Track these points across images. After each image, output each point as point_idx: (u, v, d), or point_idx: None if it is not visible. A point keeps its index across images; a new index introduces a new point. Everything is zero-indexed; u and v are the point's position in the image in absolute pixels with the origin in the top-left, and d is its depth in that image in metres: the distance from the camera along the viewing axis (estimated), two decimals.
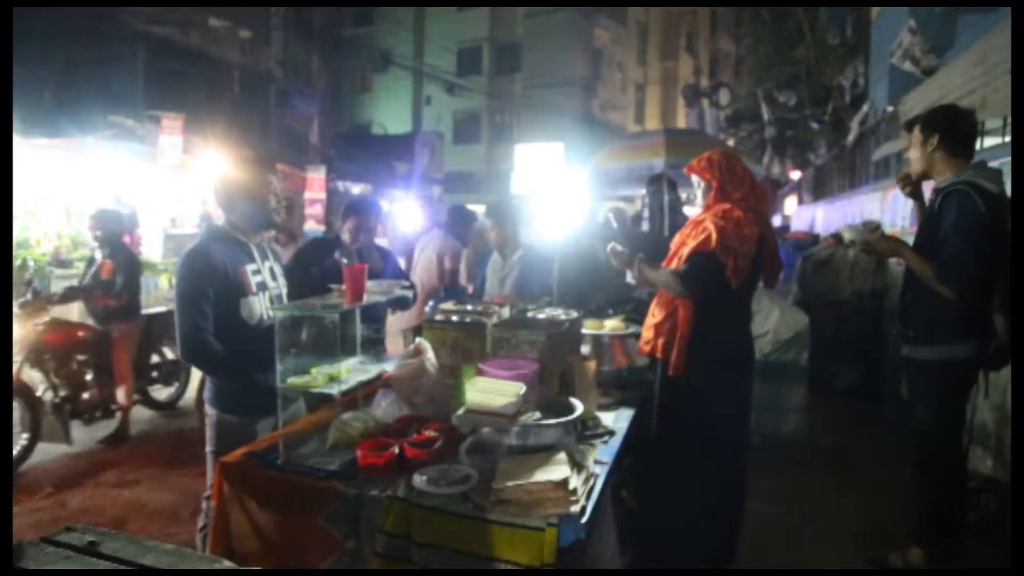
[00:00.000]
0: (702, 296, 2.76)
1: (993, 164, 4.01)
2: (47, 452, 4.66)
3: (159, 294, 8.22)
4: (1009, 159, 3.78)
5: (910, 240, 3.13)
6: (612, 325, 3.18)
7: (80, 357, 4.94)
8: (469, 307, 2.80)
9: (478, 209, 6.15)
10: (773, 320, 4.89)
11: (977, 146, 4.99)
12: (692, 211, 3.67)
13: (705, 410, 2.79)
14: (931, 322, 2.90)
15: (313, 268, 3.48)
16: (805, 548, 3.52)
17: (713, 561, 2.93)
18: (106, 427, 5.13)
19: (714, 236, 2.68)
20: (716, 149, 2.99)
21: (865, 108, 13.57)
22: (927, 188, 3.07)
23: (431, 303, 4.82)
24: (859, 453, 4.80)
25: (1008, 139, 4.38)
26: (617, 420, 2.59)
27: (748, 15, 22.54)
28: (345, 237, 3.74)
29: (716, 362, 2.81)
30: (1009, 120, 4.40)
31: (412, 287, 2.72)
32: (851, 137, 14.64)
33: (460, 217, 5.78)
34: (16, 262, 7.93)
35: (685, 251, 2.82)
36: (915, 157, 2.97)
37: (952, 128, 2.93)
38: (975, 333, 2.86)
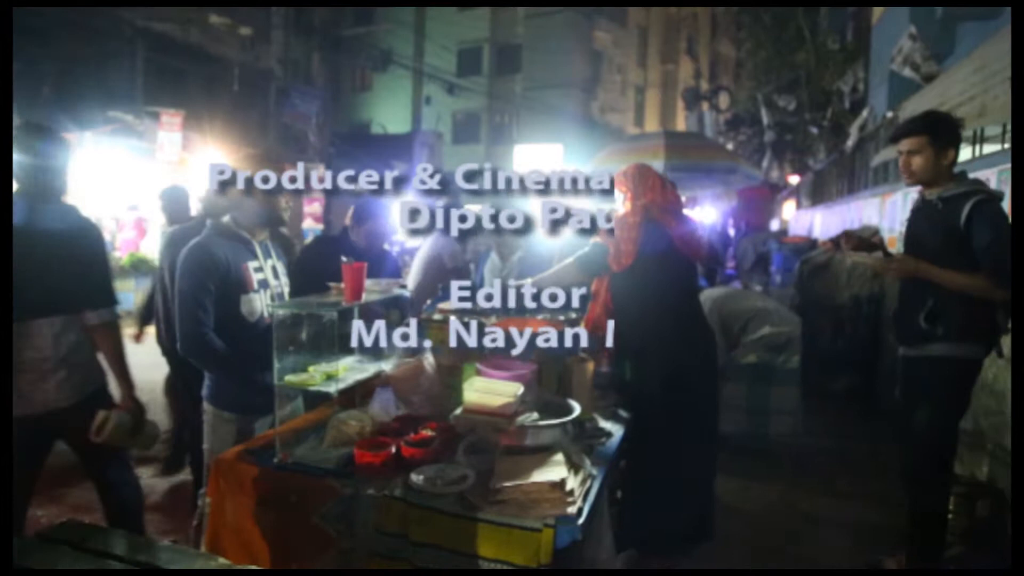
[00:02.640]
0: (611, 282, 3.06)
1: (992, 171, 4.03)
2: None
3: None
4: (1008, 166, 3.79)
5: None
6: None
7: None
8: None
9: (474, 209, 6.09)
10: (766, 324, 4.90)
11: (976, 153, 5.01)
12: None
13: (636, 395, 2.88)
14: (967, 319, 2.87)
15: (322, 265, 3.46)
16: (801, 549, 3.53)
17: (683, 540, 2.98)
18: None
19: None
20: (633, 164, 3.24)
21: (864, 114, 13.60)
22: (911, 194, 3.14)
23: (429, 302, 4.82)
24: (856, 457, 4.81)
25: (1007, 146, 4.39)
26: (615, 421, 2.59)
27: (748, 19, 22.57)
28: (357, 240, 3.70)
29: (631, 354, 2.95)
30: (1008, 127, 4.41)
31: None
32: (850, 142, 14.67)
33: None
34: None
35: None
36: (921, 167, 2.94)
37: (959, 140, 2.96)
38: (992, 331, 2.92)
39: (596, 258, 3.01)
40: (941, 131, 2.92)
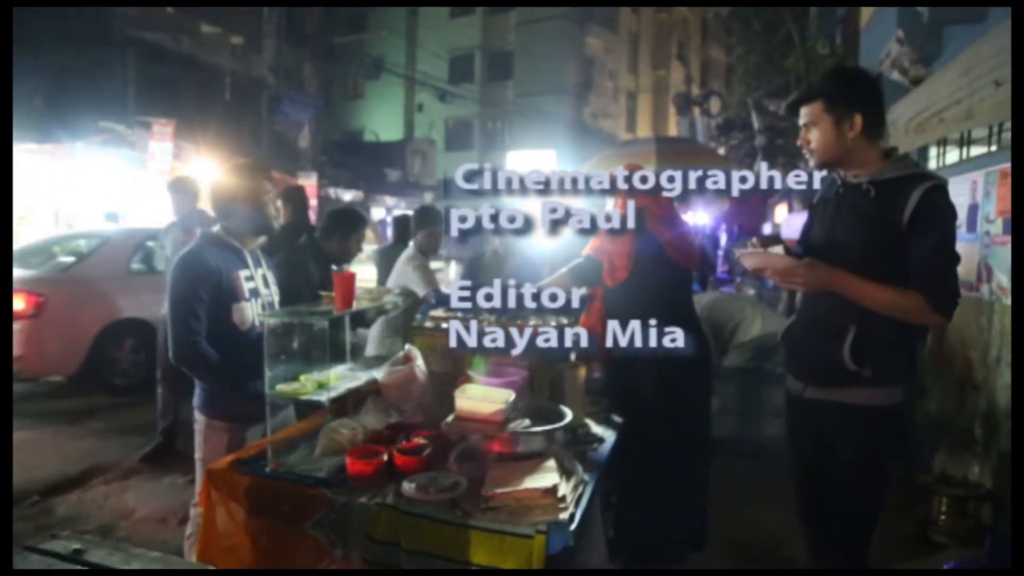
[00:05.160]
0: (604, 295, 3.00)
1: (979, 173, 4.06)
2: (33, 459, 4.61)
3: None
4: (996, 168, 3.82)
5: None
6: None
7: None
8: (459, 314, 2.80)
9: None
10: (756, 328, 4.92)
11: (963, 155, 5.04)
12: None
13: (631, 403, 2.87)
14: (893, 353, 2.15)
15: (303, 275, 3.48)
16: (794, 550, 3.53)
17: (676, 547, 3.00)
18: None
19: (591, 243, 2.99)
20: (625, 165, 3.17)
21: None
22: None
23: (422, 310, 4.80)
24: None
25: (994, 148, 4.43)
26: (607, 427, 2.60)
27: (738, 24, 22.71)
28: (331, 249, 3.75)
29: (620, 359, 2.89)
30: (995, 130, 4.45)
31: None
32: None
33: (420, 220, 4.74)
34: None
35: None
36: (819, 142, 2.17)
37: (876, 103, 2.20)
38: (913, 366, 2.27)
39: (589, 271, 2.97)
40: (838, 92, 2.15)
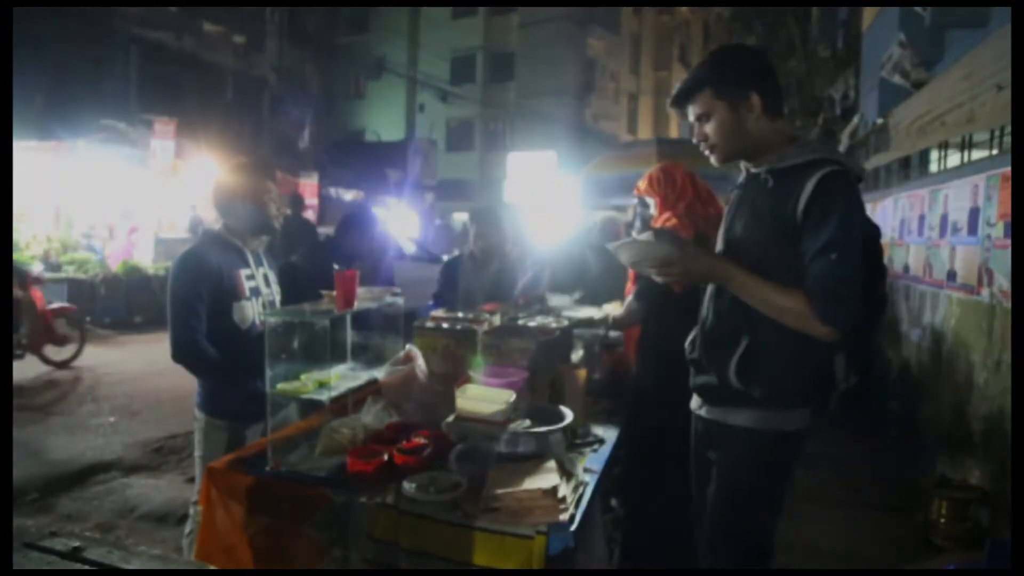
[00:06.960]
0: (657, 308, 2.83)
1: (980, 176, 4.06)
2: (33, 456, 4.62)
3: None
4: (997, 171, 3.82)
5: None
6: (608, 309, 3.18)
7: None
8: (460, 314, 2.80)
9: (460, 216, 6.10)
10: None
11: (965, 159, 5.04)
12: None
13: (668, 415, 2.67)
14: (795, 370, 1.82)
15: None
16: (792, 557, 3.53)
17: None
18: None
19: None
20: (657, 165, 2.99)
21: (855, 120, 13.66)
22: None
23: (421, 310, 4.82)
24: (850, 458, 4.81)
25: (995, 152, 4.43)
26: (607, 428, 2.59)
27: (740, 26, 22.72)
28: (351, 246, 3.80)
29: (674, 368, 2.75)
30: (997, 134, 4.45)
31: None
32: (841, 148, 14.75)
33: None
34: None
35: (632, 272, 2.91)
36: (720, 133, 1.88)
37: (769, 78, 1.91)
38: (826, 388, 1.89)
39: (649, 285, 2.72)
40: (726, 74, 1.87)
